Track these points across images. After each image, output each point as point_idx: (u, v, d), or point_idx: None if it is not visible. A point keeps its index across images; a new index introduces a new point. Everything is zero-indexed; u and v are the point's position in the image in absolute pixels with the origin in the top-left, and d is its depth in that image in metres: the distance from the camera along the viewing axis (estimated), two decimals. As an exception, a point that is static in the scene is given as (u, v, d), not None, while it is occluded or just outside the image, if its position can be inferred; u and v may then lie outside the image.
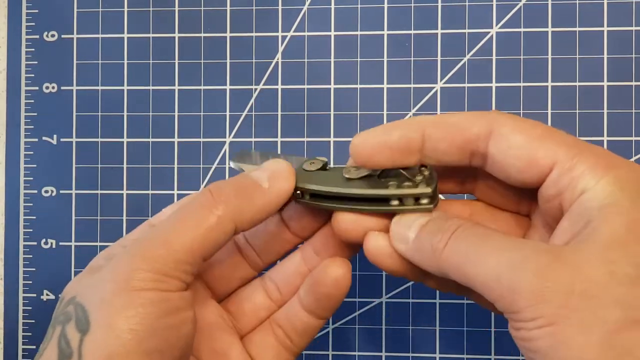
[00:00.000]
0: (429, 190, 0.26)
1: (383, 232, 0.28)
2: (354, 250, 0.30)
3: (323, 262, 0.29)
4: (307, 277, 0.30)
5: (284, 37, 0.41)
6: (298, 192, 0.28)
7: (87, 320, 0.23)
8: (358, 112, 0.40)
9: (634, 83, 0.39)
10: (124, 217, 0.41)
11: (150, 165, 0.41)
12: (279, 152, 0.40)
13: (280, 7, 0.41)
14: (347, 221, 0.28)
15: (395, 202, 0.27)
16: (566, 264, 0.22)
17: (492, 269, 0.22)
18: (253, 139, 0.40)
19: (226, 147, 0.40)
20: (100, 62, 0.42)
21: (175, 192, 0.41)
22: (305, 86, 0.40)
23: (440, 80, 0.40)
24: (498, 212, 0.29)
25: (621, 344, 0.20)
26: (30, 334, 0.41)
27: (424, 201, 0.27)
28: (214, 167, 0.41)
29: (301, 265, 0.31)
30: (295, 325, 0.30)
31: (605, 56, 0.39)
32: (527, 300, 0.21)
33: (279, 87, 0.41)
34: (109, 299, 0.23)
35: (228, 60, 0.41)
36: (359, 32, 0.40)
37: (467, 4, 0.40)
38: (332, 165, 0.29)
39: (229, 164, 0.30)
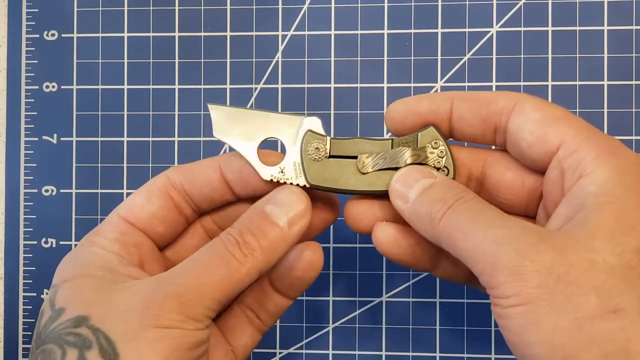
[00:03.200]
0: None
1: (391, 222, 0.28)
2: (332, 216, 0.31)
3: (297, 246, 0.29)
4: (281, 262, 0.30)
5: (284, 36, 0.41)
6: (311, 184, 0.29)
7: (115, 351, 0.23)
8: (358, 112, 0.40)
9: (634, 82, 0.39)
10: (124, 216, 0.41)
11: (150, 165, 0.41)
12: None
13: (280, 6, 0.41)
14: (359, 211, 0.29)
15: None
16: (550, 246, 0.22)
17: (480, 243, 0.23)
18: (253, 138, 0.40)
19: (227, 146, 0.40)
20: (100, 61, 0.42)
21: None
22: (306, 85, 0.40)
23: (441, 80, 0.40)
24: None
25: (591, 332, 0.20)
26: (30, 333, 0.41)
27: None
28: (214, 166, 0.40)
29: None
30: (267, 307, 0.31)
31: (606, 55, 0.39)
32: (505, 276, 0.22)
33: (279, 86, 0.41)
34: (138, 332, 0.24)
35: (228, 60, 0.41)
36: (359, 31, 0.40)
37: (467, 2, 0.39)
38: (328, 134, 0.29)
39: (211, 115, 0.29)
